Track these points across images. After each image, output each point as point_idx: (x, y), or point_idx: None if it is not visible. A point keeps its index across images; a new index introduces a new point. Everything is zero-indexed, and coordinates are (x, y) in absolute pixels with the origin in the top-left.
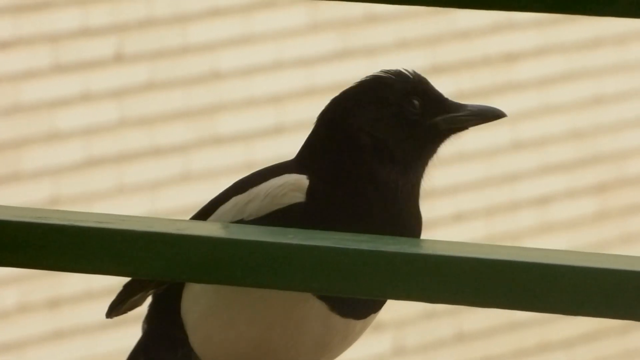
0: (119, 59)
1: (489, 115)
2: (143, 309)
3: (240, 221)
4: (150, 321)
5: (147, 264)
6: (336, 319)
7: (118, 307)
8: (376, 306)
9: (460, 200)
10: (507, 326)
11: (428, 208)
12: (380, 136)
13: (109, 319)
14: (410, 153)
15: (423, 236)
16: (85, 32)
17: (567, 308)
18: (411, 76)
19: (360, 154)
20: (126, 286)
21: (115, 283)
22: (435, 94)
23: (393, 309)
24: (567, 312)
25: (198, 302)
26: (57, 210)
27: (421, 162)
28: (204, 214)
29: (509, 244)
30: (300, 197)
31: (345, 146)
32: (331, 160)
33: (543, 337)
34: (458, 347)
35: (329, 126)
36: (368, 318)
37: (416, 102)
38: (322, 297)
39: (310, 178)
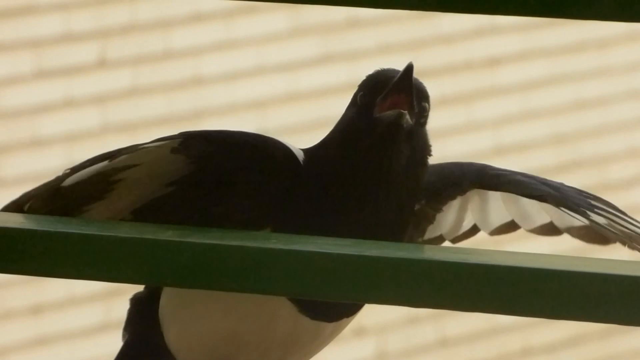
0: (101, 64)
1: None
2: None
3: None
4: (130, 329)
5: (130, 269)
6: (305, 321)
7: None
8: (350, 310)
9: None
10: (490, 331)
11: None
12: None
13: (93, 326)
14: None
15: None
16: (68, 38)
17: (550, 312)
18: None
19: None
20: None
21: (98, 289)
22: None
23: (375, 314)
24: (550, 316)
25: (173, 296)
26: (41, 216)
27: (369, 155)
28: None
29: (491, 248)
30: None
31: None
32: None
33: (526, 342)
34: (441, 352)
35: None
36: (341, 322)
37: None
38: (291, 299)
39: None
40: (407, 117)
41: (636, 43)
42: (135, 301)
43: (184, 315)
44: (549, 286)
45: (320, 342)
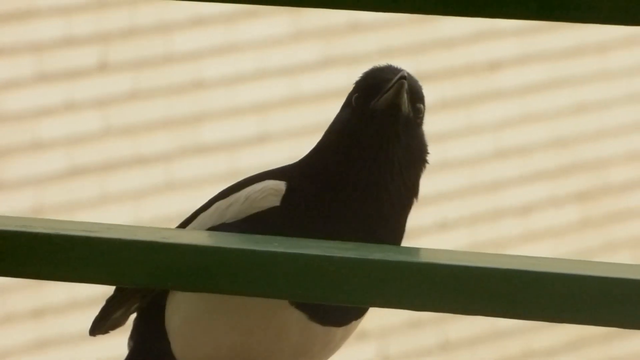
0: (102, 68)
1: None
2: (129, 321)
3: (222, 224)
4: (135, 337)
5: (132, 272)
6: (316, 328)
7: (101, 324)
8: (358, 312)
9: (444, 208)
10: (491, 334)
11: (413, 216)
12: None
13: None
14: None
15: (407, 244)
16: (69, 41)
17: (551, 315)
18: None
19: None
20: (109, 300)
21: (99, 293)
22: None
23: (377, 318)
24: (551, 319)
25: (179, 308)
26: (42, 219)
27: (371, 148)
28: (187, 222)
29: (492, 252)
30: (277, 201)
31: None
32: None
33: (527, 345)
34: (443, 356)
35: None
36: (350, 325)
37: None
38: (300, 307)
39: (289, 183)
40: (405, 94)
41: (636, 47)
42: (141, 310)
43: (190, 328)
44: (550, 289)
45: (331, 348)
